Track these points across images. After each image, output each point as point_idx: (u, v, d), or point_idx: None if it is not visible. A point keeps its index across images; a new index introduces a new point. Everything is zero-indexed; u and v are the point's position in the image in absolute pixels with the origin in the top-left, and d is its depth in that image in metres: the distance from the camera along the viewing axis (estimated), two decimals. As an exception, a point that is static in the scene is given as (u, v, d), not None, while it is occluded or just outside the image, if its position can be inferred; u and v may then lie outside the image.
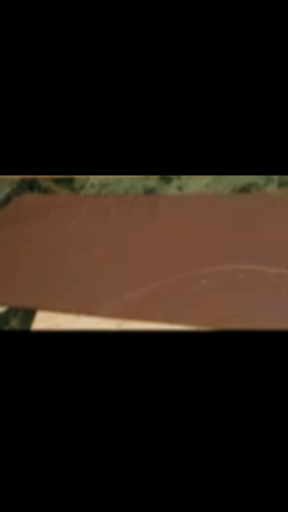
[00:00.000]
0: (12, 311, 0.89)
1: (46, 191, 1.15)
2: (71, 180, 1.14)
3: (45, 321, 0.84)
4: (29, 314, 0.86)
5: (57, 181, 1.15)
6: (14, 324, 0.86)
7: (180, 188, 1.02)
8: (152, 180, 1.06)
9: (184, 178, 1.03)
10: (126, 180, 1.09)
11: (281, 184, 0.92)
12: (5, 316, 0.88)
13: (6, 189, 1.18)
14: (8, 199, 1.16)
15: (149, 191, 1.04)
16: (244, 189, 0.95)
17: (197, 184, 1.01)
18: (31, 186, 1.17)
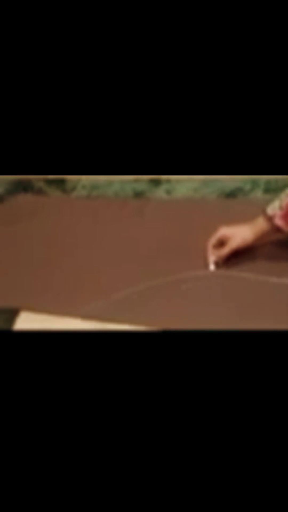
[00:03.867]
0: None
1: (38, 192, 1.16)
2: (62, 181, 1.14)
3: (28, 321, 0.84)
4: (12, 314, 0.85)
5: (49, 182, 1.16)
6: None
7: (168, 191, 1.03)
8: (141, 183, 1.07)
9: (173, 182, 1.04)
10: (116, 183, 1.09)
11: (266, 191, 0.93)
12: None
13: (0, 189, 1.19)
14: (1, 199, 1.16)
15: (138, 194, 1.05)
16: (231, 194, 0.96)
17: (185, 188, 1.02)
18: (25, 187, 1.18)
